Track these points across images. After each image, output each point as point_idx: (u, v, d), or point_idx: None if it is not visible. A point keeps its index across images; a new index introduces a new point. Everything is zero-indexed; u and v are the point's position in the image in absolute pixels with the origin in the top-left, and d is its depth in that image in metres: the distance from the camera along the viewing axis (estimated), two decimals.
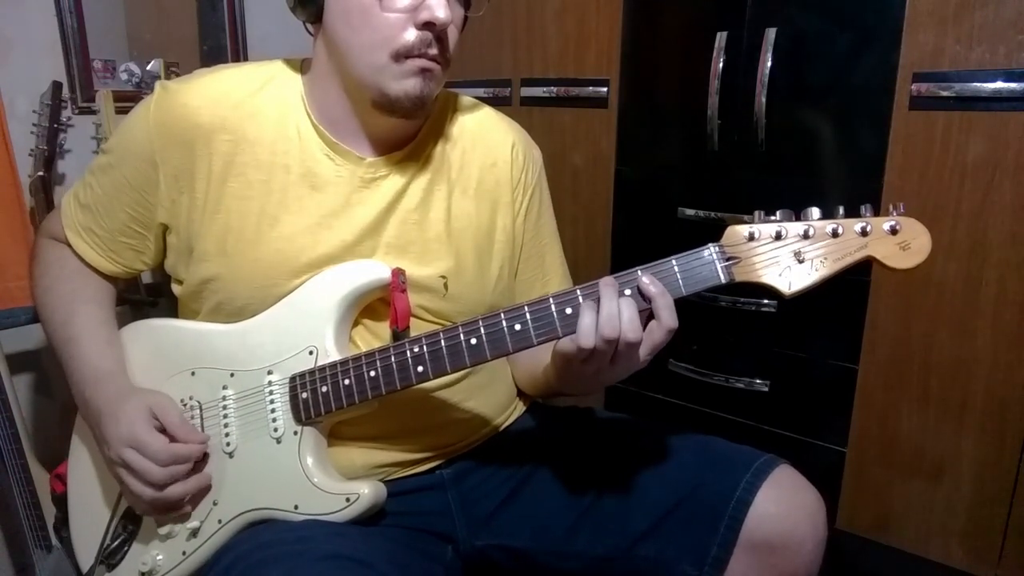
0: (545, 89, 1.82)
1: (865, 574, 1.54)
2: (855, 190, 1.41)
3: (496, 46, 1.89)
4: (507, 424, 1.03)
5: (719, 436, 0.97)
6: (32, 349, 1.65)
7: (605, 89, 1.71)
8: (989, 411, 1.33)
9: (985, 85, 1.25)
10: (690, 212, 1.59)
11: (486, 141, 0.99)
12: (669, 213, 1.62)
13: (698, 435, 0.96)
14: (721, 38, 1.49)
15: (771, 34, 1.43)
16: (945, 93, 1.29)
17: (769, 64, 1.43)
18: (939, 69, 1.29)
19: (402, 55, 0.82)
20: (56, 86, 1.53)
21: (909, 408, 1.41)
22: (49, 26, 1.61)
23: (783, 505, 0.85)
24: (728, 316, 1.55)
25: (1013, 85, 1.23)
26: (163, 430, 0.86)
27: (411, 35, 0.82)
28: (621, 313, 0.74)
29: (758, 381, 1.57)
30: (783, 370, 1.54)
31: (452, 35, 0.86)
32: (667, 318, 0.76)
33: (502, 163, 0.99)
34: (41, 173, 1.53)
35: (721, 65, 1.50)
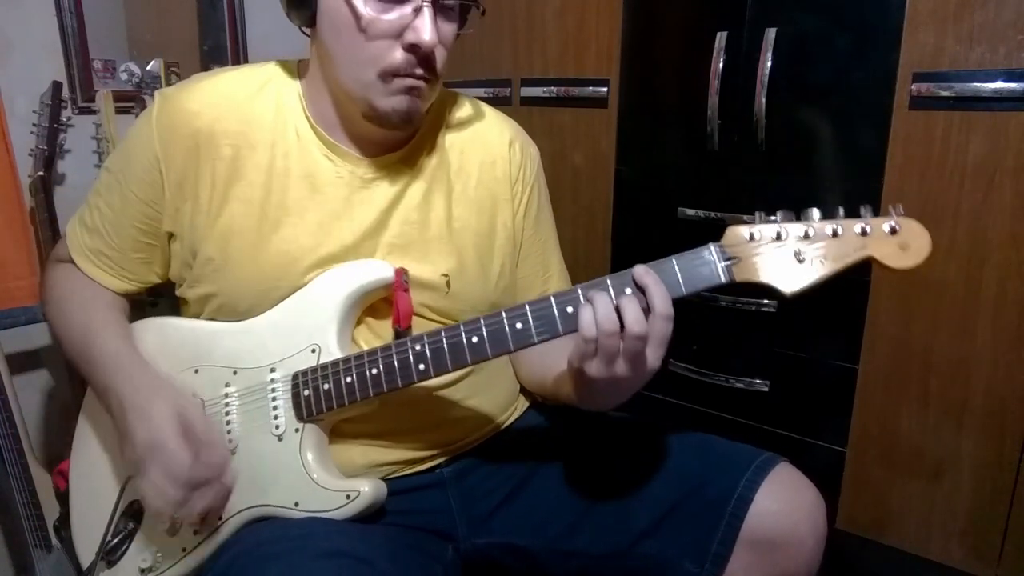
0: (545, 89, 1.82)
1: (865, 574, 1.54)
2: (855, 190, 1.41)
3: (496, 46, 1.89)
4: (509, 422, 1.03)
5: (719, 436, 0.97)
6: (32, 349, 1.65)
7: (605, 89, 1.71)
8: (989, 411, 1.33)
9: (985, 85, 1.25)
10: (690, 212, 1.59)
11: (484, 139, 1.00)
12: (669, 213, 1.62)
13: (698, 434, 0.96)
14: (721, 38, 1.50)
15: (771, 34, 1.43)
16: (945, 93, 1.29)
17: (769, 64, 1.44)
18: (939, 69, 1.29)
19: (389, 74, 0.83)
20: (56, 86, 1.54)
21: (909, 408, 1.41)
22: (49, 26, 1.61)
23: (783, 503, 0.85)
24: (728, 316, 1.55)
25: (1013, 85, 1.23)
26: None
27: (398, 56, 0.82)
28: (623, 309, 0.74)
29: (758, 381, 1.57)
30: (783, 370, 1.54)
31: (440, 54, 0.85)
32: (660, 305, 0.74)
33: (500, 161, 0.99)
34: (41, 173, 1.53)
35: (721, 65, 1.50)
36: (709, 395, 1.64)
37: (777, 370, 1.54)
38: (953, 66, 1.28)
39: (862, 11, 1.37)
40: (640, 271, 0.76)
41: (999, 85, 1.24)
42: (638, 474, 0.92)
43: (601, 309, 0.74)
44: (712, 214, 1.56)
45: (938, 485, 1.40)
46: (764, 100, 1.45)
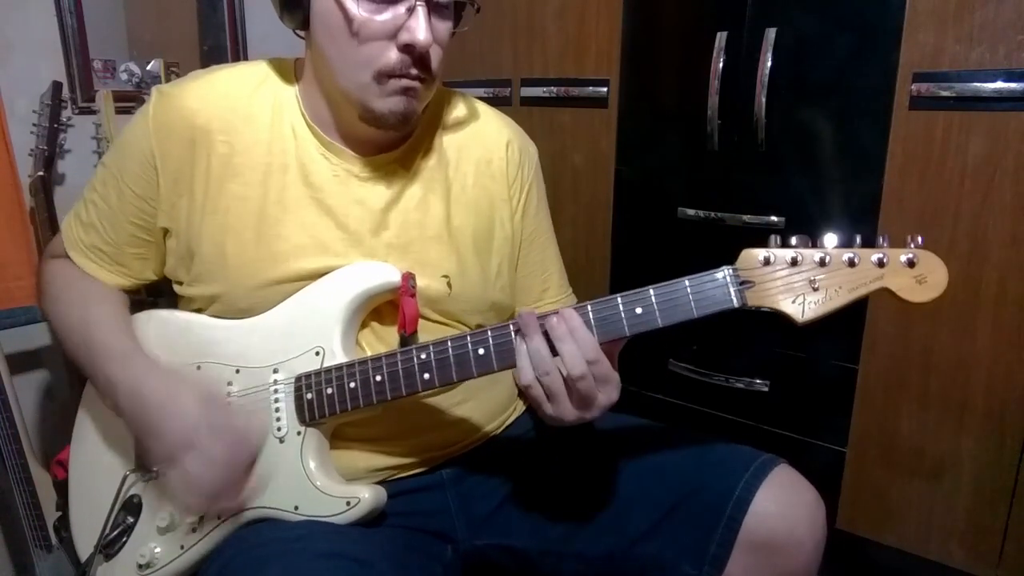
0: (545, 89, 1.82)
1: (865, 574, 1.54)
2: (855, 190, 1.41)
3: (496, 46, 1.89)
4: (507, 424, 1.03)
5: (719, 436, 0.96)
6: (32, 349, 1.65)
7: (605, 89, 1.71)
8: (989, 411, 1.32)
9: (985, 85, 1.25)
10: (690, 212, 1.59)
11: (481, 138, 0.99)
12: (669, 213, 1.62)
13: (697, 435, 0.96)
14: (721, 38, 1.49)
15: (771, 34, 1.43)
16: (945, 93, 1.28)
17: (769, 64, 1.43)
18: (939, 69, 1.29)
19: (384, 75, 0.82)
20: (56, 86, 1.54)
21: (909, 408, 1.41)
22: (49, 26, 1.61)
23: (782, 504, 0.85)
24: (728, 316, 1.55)
25: (1013, 85, 1.22)
26: None
27: (392, 56, 0.82)
28: (562, 348, 0.74)
29: (758, 381, 1.56)
30: (783, 370, 1.54)
31: (435, 53, 0.85)
32: (589, 352, 0.74)
33: (498, 160, 0.99)
34: (41, 173, 1.54)
35: (721, 65, 1.50)
36: (709, 395, 1.64)
37: (777, 370, 1.54)
38: (953, 66, 1.28)
39: (862, 11, 1.36)
40: (554, 323, 0.75)
41: (999, 85, 1.24)
42: (636, 476, 0.92)
43: (531, 350, 0.75)
44: (712, 214, 1.56)
45: (938, 485, 1.40)
46: (764, 100, 1.44)
